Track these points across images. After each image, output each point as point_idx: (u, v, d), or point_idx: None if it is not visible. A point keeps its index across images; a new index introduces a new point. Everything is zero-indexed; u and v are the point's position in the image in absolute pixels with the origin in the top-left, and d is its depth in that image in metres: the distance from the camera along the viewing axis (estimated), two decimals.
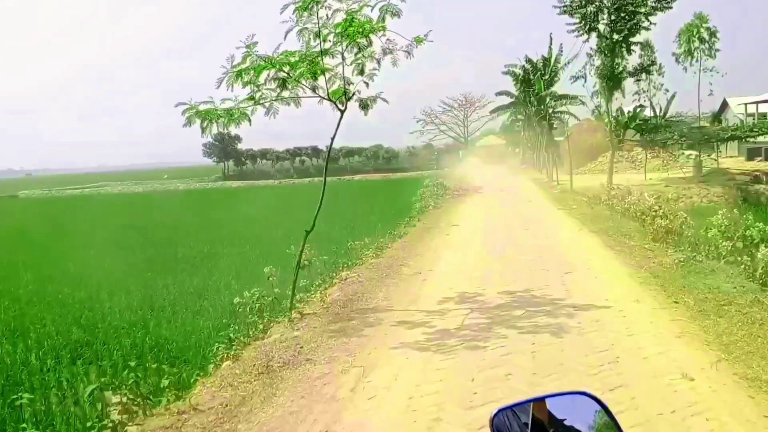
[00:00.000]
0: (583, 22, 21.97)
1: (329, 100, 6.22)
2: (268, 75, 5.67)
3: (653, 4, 20.99)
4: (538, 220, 13.86)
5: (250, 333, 6.34)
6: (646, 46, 22.23)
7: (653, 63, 22.56)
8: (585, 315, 6.08)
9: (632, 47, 22.37)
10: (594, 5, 21.54)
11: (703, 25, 33.61)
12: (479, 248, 10.60)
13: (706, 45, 33.62)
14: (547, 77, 37.88)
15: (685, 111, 44.42)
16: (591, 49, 22.75)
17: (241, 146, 64.02)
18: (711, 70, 34.72)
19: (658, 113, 45.97)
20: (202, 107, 5.57)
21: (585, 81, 23.15)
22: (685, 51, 37.60)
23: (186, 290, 9.67)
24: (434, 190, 21.27)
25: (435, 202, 19.29)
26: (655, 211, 10.67)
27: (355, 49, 5.99)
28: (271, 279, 7.23)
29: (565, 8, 21.93)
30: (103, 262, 12.58)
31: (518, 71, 38.52)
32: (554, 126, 39.63)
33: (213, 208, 26.45)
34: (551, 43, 37.00)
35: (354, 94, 6.37)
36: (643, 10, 20.87)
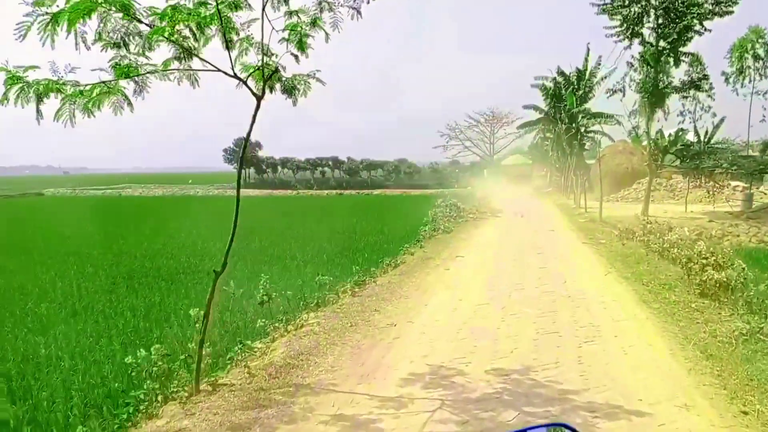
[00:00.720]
0: (625, 25, 19.72)
1: (237, 78, 4.36)
2: (113, 26, 3.72)
3: (710, 6, 18.54)
4: (557, 256, 11.74)
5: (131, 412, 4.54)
6: (695, 59, 19.78)
7: (705, 78, 20.07)
8: (607, 427, 4.06)
9: (681, 58, 19.98)
10: (639, 5, 19.26)
11: (760, 40, 30.57)
12: (479, 293, 8.58)
13: (761, 64, 30.66)
14: (580, 92, 35.62)
15: (732, 137, 41.35)
16: (632, 57, 20.50)
17: (262, 153, 63.32)
18: (765, 94, 31.75)
19: (702, 138, 43.08)
20: (30, 78, 3.66)
21: (623, 95, 20.87)
22: (737, 70, 34.53)
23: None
24: (447, 212, 19.29)
25: (446, 225, 17.35)
26: (706, 258, 8.47)
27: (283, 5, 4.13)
28: (196, 325, 5.41)
29: (604, 7, 19.69)
30: None
31: (549, 84, 36.40)
32: (585, 146, 37.16)
33: (202, 217, 25.06)
34: (588, 55, 34.74)
35: (277, 71, 4.51)
36: (696, 11, 18.41)
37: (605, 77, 34.87)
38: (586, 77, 35.36)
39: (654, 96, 20.41)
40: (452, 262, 11.08)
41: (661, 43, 20.27)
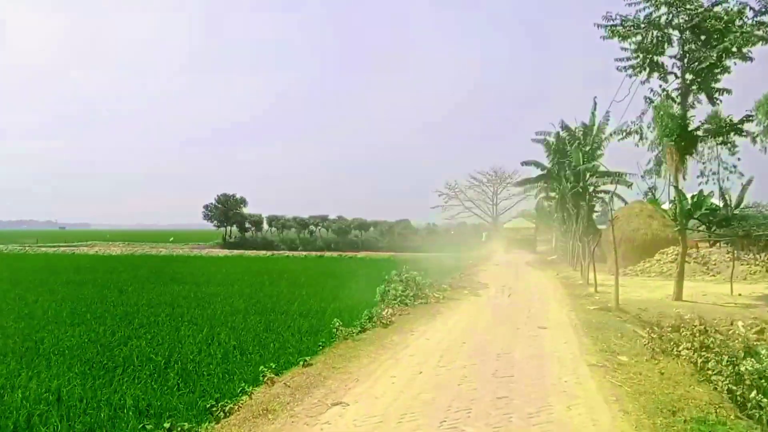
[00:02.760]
0: (641, 54, 15.09)
1: None
2: None
3: (750, 28, 13.87)
4: (541, 398, 6.21)
5: None
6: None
7: (748, 119, 15.12)
8: None
9: (715, 96, 15.19)
10: (658, 29, 14.67)
11: None
12: None
13: None
14: (587, 148, 30.99)
15: (763, 201, 36.08)
16: (652, 92, 15.69)
17: (247, 210, 58.91)
18: None
19: (729, 202, 37.64)
20: None
21: (641, 138, 15.97)
22: (765, 128, 29.81)
23: None
24: (402, 290, 13.86)
25: (395, 309, 12.07)
26: None
27: None
28: None
29: (613, 29, 15.07)
30: None
31: (551, 139, 31.87)
32: (595, 208, 32.04)
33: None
34: (595, 109, 30.60)
35: None
36: (737, 32, 13.71)
37: (617, 133, 30.60)
38: (594, 132, 30.98)
39: (683, 139, 15.42)
40: (350, 394, 5.68)
41: (688, 76, 15.59)
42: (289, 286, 20.48)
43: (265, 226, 61.35)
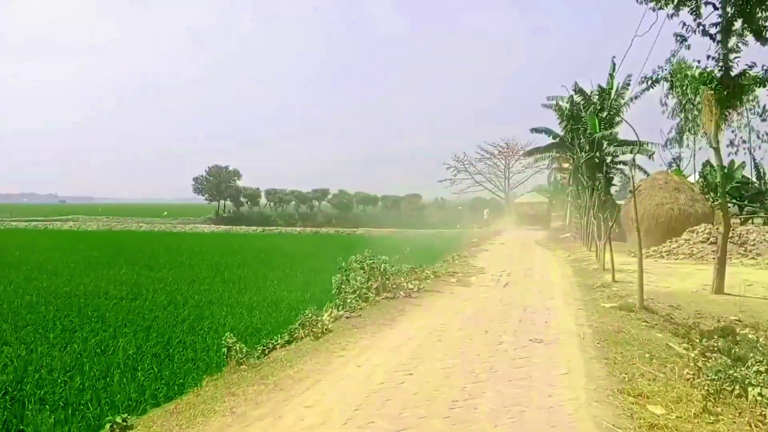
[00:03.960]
0: None
1: None
2: None
3: None
4: None
5: None
6: None
7: None
8: None
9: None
10: None
11: None
12: None
13: None
14: (604, 114, 27.41)
15: None
16: (683, 26, 12.25)
17: (241, 183, 56.22)
18: None
19: (762, 174, 33.66)
20: None
21: (670, 89, 12.66)
22: None
23: None
24: (372, 277, 10.96)
25: (349, 306, 9.27)
26: None
27: None
28: None
29: None
30: None
31: (564, 105, 28.27)
32: (613, 181, 28.62)
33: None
34: (613, 70, 26.89)
35: None
36: None
37: (637, 97, 26.91)
38: (612, 97, 27.33)
39: (726, 87, 12.00)
40: None
41: (729, 9, 12.06)
42: (259, 268, 17.87)
43: (264, 200, 58.79)
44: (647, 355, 6.60)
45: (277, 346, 7.27)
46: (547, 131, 28.42)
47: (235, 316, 10.33)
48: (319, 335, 7.46)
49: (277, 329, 8.52)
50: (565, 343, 7.19)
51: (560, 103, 27.75)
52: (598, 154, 26.52)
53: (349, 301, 9.86)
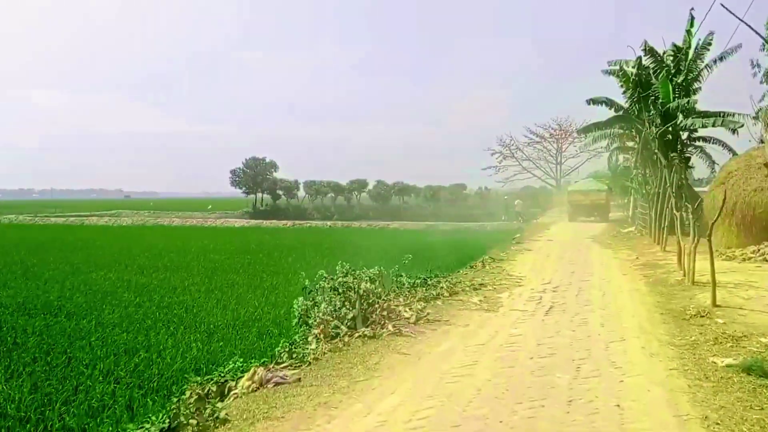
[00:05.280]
0: None
1: None
2: None
3: None
4: None
5: None
6: None
7: None
8: None
9: None
10: None
11: None
12: None
13: None
14: (680, 79, 22.68)
15: None
16: None
17: (278, 175, 54.07)
18: None
19: None
20: None
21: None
22: None
23: None
24: (348, 303, 7.63)
25: (307, 350, 6.04)
26: None
27: None
28: None
29: None
30: None
31: (630, 69, 23.65)
32: (691, 162, 23.75)
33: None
34: (691, 26, 22.10)
35: None
36: None
37: (724, 56, 21.83)
38: (690, 57, 22.50)
39: None
40: None
41: None
42: (258, 272, 15.04)
43: (302, 192, 56.62)
44: None
45: None
46: (608, 102, 23.86)
47: (181, 346, 7.34)
48: (221, 423, 4.20)
49: (223, 369, 5.47)
50: None
51: (624, 68, 23.14)
52: (671, 129, 21.85)
53: (314, 337, 6.59)
